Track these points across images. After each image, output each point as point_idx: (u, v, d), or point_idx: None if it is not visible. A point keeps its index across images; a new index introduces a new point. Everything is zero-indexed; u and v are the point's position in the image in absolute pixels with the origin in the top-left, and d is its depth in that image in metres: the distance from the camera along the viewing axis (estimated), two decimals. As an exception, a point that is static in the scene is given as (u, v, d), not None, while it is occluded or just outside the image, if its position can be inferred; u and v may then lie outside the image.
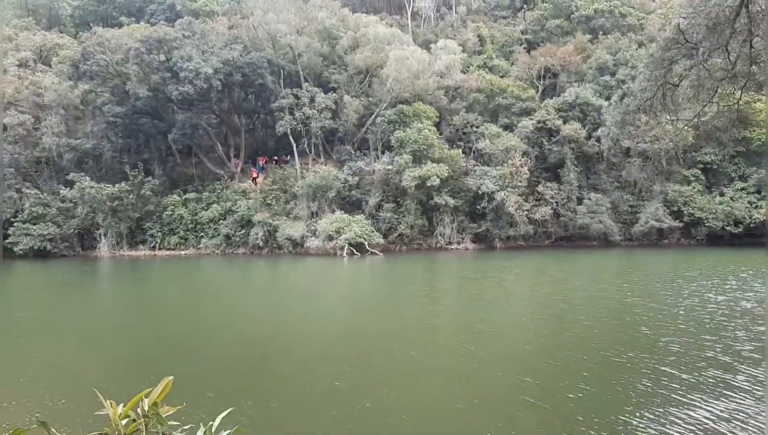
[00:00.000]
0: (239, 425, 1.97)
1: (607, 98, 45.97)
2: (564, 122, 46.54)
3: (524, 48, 58.14)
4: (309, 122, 46.22)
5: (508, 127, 48.33)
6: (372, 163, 46.61)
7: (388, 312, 19.47)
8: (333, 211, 43.80)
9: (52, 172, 48.27)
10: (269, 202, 45.93)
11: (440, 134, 47.17)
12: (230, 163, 50.88)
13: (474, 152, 47.89)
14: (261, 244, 43.75)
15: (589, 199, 45.14)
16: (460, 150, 46.67)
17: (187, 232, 46.04)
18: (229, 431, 1.88)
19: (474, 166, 46.67)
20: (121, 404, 1.83)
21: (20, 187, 45.41)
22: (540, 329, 15.89)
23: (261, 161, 50.82)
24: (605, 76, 50.34)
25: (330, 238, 41.44)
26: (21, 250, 42.68)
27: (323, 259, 39.13)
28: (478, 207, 45.43)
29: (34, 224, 43.66)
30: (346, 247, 40.51)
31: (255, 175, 49.38)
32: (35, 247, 42.92)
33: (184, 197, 47.16)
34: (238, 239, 44.83)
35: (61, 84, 48.83)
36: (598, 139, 45.60)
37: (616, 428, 8.26)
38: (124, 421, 1.78)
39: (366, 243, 41.05)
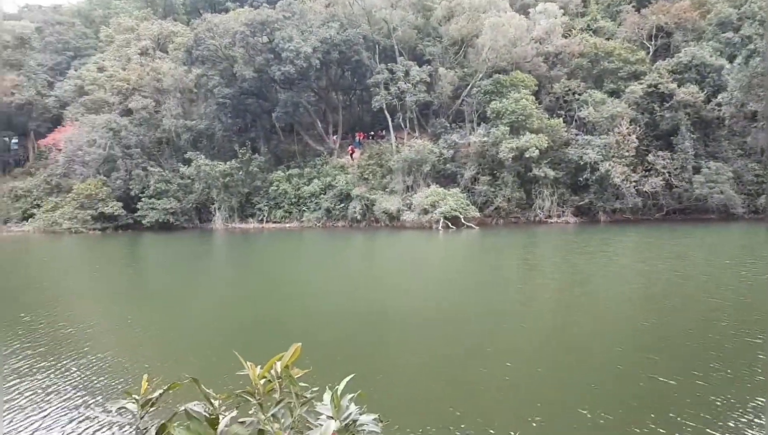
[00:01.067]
0: (360, 390, 2.10)
1: (730, 58, 41.62)
2: (678, 86, 42.86)
3: (633, 7, 53.86)
4: (404, 96, 46.47)
5: (615, 93, 45.44)
6: (467, 135, 46.07)
7: (491, 285, 19.54)
8: (428, 185, 44.05)
9: (172, 151, 52.72)
10: (366, 176, 47.10)
11: (539, 103, 45.46)
12: (329, 139, 52.63)
13: (576, 121, 45.68)
14: (359, 217, 45.18)
15: (708, 168, 41.49)
16: (561, 119, 44.73)
17: (291, 206, 48.56)
18: (351, 395, 1.99)
19: (576, 135, 44.59)
20: (258, 366, 2.01)
21: (146, 166, 50.14)
22: (663, 305, 15.21)
23: (358, 137, 52.09)
24: (727, 32, 45.46)
25: (425, 211, 41.84)
26: (148, 222, 47.42)
27: (419, 233, 39.67)
28: (581, 179, 43.50)
29: (158, 199, 48.20)
30: (442, 220, 40.72)
31: (352, 150, 50.77)
32: (160, 220, 47.45)
33: (287, 173, 49.62)
34: (337, 213, 46.59)
35: (177, 69, 52.84)
36: (719, 104, 41.58)
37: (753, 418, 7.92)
38: (261, 382, 1.95)
39: (461, 216, 40.98)
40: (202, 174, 48.12)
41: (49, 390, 9.25)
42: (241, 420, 1.85)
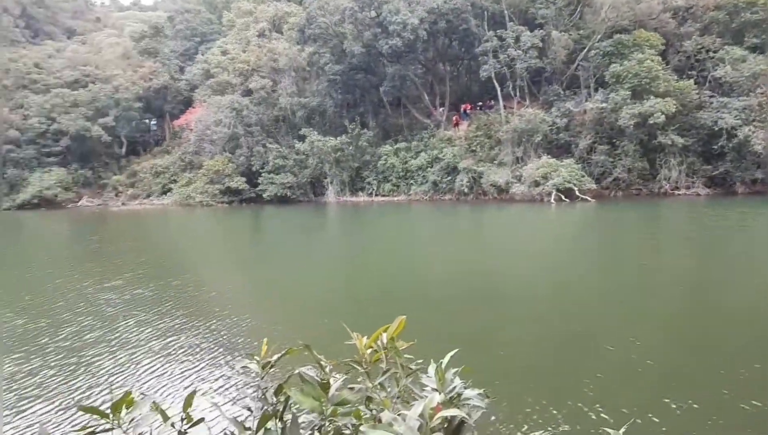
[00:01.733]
0: (465, 365, 2.10)
1: None
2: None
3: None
4: (514, 64, 44.79)
5: (758, 49, 40.19)
6: (583, 102, 43.48)
7: (611, 260, 18.65)
8: (539, 156, 42.44)
9: (288, 128, 55.66)
10: (474, 148, 46.43)
11: (666, 64, 41.49)
12: (436, 111, 52.42)
13: (710, 82, 41.18)
14: (466, 190, 44.85)
15: None
16: (692, 81, 40.56)
17: (399, 180, 49.40)
18: (456, 369, 2.00)
19: (709, 98, 40.27)
20: (365, 337, 2.08)
21: (265, 143, 53.50)
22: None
23: (464, 108, 51.29)
24: None
25: (536, 183, 40.48)
26: (268, 196, 50.87)
27: (529, 205, 38.58)
28: (714, 146, 39.38)
29: (277, 174, 51.39)
30: (554, 193, 39.20)
31: (456, 121, 50.18)
32: (278, 194, 50.68)
33: (395, 147, 50.37)
34: (444, 186, 46.62)
35: (291, 49, 55.26)
36: None
37: None
38: (368, 351, 2.04)
39: (576, 189, 39.13)
40: (315, 149, 50.38)
41: (195, 346, 10.58)
42: (350, 386, 1.94)
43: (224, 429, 1.87)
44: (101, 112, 60.45)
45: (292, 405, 1.89)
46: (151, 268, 19.73)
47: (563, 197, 38.90)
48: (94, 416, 1.71)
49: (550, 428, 6.73)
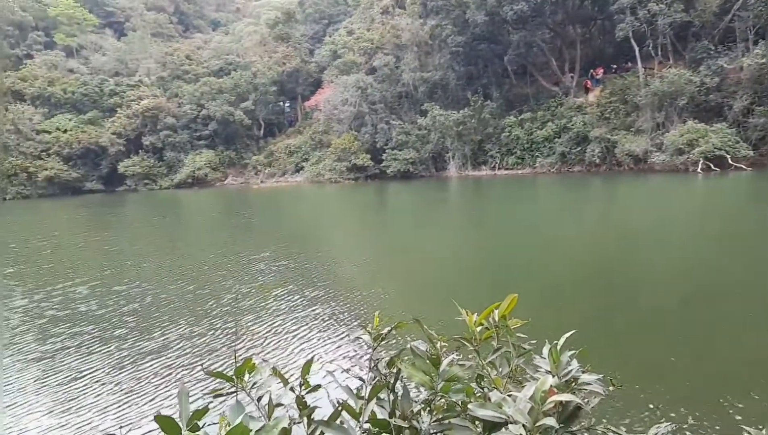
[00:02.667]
0: (582, 347, 2.01)
1: None
2: None
3: None
4: (655, 20, 40.52)
5: None
6: (739, 57, 38.18)
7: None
8: (684, 121, 38.27)
9: (411, 104, 56.15)
10: (607, 115, 43.17)
11: None
12: (564, 78, 49.44)
13: None
14: (598, 160, 42.05)
15: None
16: None
17: (524, 152, 47.70)
18: (572, 351, 1.91)
19: None
20: (475, 314, 2.04)
21: (388, 120, 54.59)
22: None
23: (596, 73, 47.69)
24: None
25: (680, 151, 36.69)
26: (391, 172, 52.07)
27: (671, 176, 35.18)
28: None
29: (400, 150, 52.32)
30: (701, 161, 35.29)
31: (588, 87, 46.89)
32: (401, 170, 51.65)
33: (519, 118, 48.58)
34: (573, 157, 44.14)
35: (414, 23, 55.31)
36: None
37: None
38: (478, 329, 2.00)
39: (729, 156, 34.85)
40: (437, 124, 50.34)
41: (319, 316, 11.48)
42: (460, 363, 1.92)
43: (338, 397, 1.90)
44: (242, 97, 65.81)
45: (403, 377, 1.90)
46: (292, 242, 21.37)
47: (713, 166, 34.89)
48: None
49: (676, 423, 6.31)
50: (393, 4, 62.76)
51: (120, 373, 8.87)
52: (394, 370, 1.92)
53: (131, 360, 9.44)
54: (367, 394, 1.86)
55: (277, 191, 52.48)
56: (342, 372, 7.99)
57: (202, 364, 9.20)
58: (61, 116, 66.06)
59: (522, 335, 2.06)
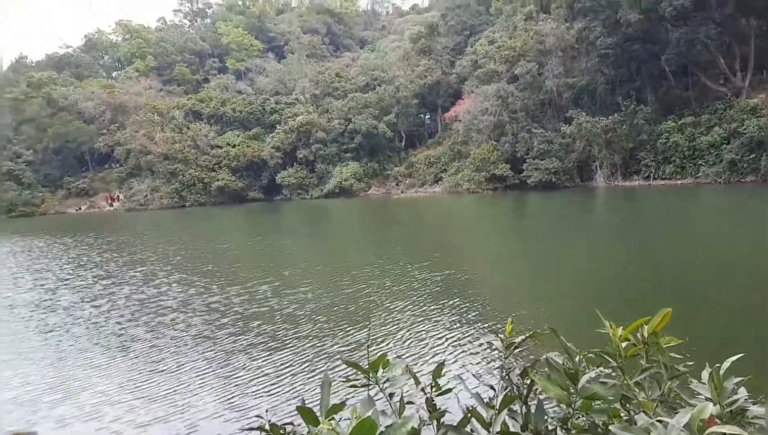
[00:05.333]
0: (751, 375, 1.83)
1: None
2: None
3: None
4: None
5: None
6: None
7: None
8: None
9: (554, 112, 54.08)
10: (791, 118, 37.54)
11: None
12: (734, 77, 43.96)
13: None
14: (778, 169, 36.68)
15: None
16: None
17: (684, 160, 43.32)
18: (740, 379, 1.69)
19: None
20: (620, 327, 1.87)
21: (530, 128, 53.13)
22: None
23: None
24: None
25: None
26: (532, 182, 50.53)
27: None
28: None
29: (542, 160, 50.59)
30: None
31: (770, 86, 41.13)
32: (542, 180, 49.87)
33: (679, 123, 44.26)
34: (745, 165, 39.03)
35: (559, 27, 53.29)
36: None
37: None
38: (623, 344, 1.82)
39: None
40: (583, 131, 47.87)
41: (450, 319, 11.79)
42: (602, 380, 1.74)
43: (467, 403, 1.85)
44: (386, 110, 68.74)
45: (537, 390, 1.81)
46: (437, 251, 21.93)
47: None
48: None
49: None
50: (537, 10, 61.05)
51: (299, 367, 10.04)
52: (527, 382, 1.85)
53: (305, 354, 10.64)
54: (497, 404, 1.78)
55: (417, 201, 53.80)
56: (471, 378, 7.96)
57: (341, 355, 9.98)
58: (231, 133, 74.73)
59: (676, 356, 1.84)
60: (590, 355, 1.88)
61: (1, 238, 41.84)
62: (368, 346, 10.28)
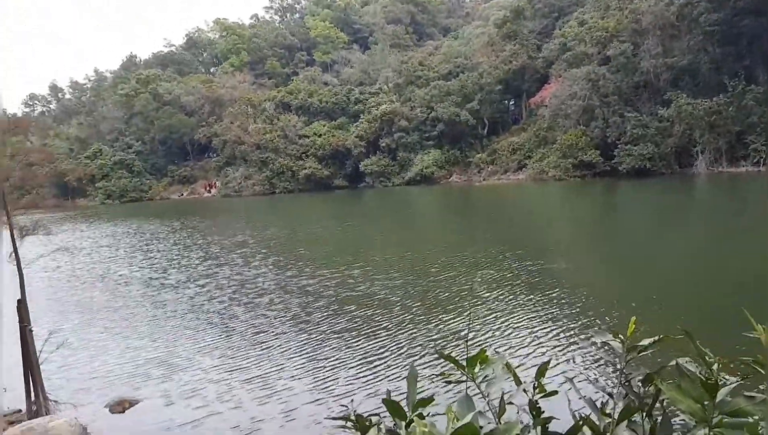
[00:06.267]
0: None
1: None
2: None
3: None
4: None
5: None
6: None
7: None
8: None
9: (650, 94, 50.94)
10: None
11: None
12: None
13: None
14: None
15: None
16: None
17: (800, 144, 39.39)
18: None
19: None
20: None
21: (622, 112, 50.44)
22: None
23: None
24: None
25: None
26: (624, 168, 48.05)
27: None
28: None
29: (635, 145, 47.94)
30: None
31: None
32: (635, 166, 47.27)
33: (796, 103, 40.25)
34: None
35: (657, 5, 49.97)
36: None
37: None
38: None
39: None
40: (683, 114, 44.84)
41: (558, 317, 11.78)
42: (747, 393, 1.46)
43: (578, 410, 1.66)
44: (468, 97, 67.98)
45: (664, 401, 1.59)
46: (527, 242, 21.58)
47: None
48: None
49: None
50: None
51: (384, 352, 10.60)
52: (652, 390, 1.62)
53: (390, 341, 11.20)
54: (615, 413, 1.59)
55: (499, 189, 52.96)
56: (582, 381, 7.51)
57: (435, 346, 9.99)
58: (317, 123, 77.26)
59: None
60: (732, 363, 1.60)
61: (116, 221, 46.30)
62: (467, 339, 10.00)
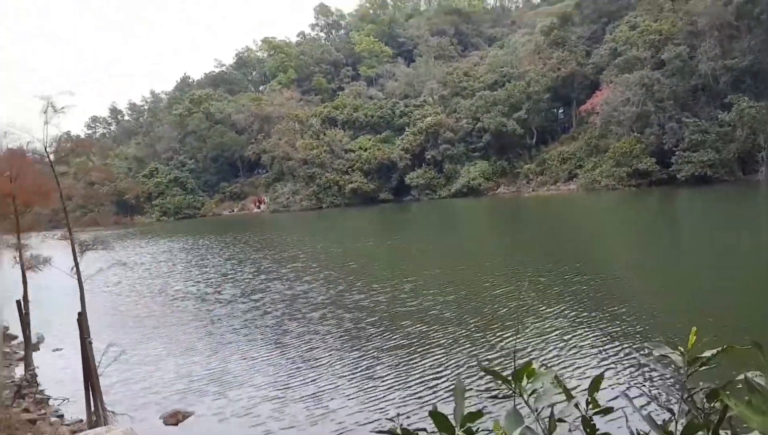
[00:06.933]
0: None
1: None
2: None
3: None
4: None
5: None
6: None
7: None
8: None
9: (708, 98, 48.71)
10: None
11: None
12: None
13: None
14: None
15: None
16: None
17: None
18: None
19: None
20: None
21: (679, 117, 48.35)
22: None
23: None
24: None
25: None
26: (682, 176, 45.94)
27: None
28: None
29: (694, 151, 45.79)
30: None
31: None
32: (695, 174, 45.10)
33: None
34: None
35: (714, 5, 47.89)
36: None
37: None
38: None
39: None
40: (745, 118, 42.60)
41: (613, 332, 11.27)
42: None
43: (638, 427, 1.58)
44: (515, 107, 66.92)
45: (732, 418, 1.47)
46: (592, 256, 21.00)
47: None
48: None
49: None
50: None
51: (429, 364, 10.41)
52: (718, 406, 1.51)
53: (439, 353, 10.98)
54: (677, 431, 1.49)
55: (552, 200, 51.64)
56: (639, 397, 7.03)
57: (478, 358, 9.79)
58: (363, 137, 77.92)
59: None
60: None
61: (172, 237, 48.02)
62: (515, 352, 9.78)
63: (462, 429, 1.45)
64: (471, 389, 7.82)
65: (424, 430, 1.61)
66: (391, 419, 1.70)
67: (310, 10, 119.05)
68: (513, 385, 1.61)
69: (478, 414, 1.51)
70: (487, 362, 9.72)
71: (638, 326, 10.93)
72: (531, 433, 1.43)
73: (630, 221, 31.52)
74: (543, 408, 1.56)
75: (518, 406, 1.55)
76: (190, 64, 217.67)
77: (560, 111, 70.97)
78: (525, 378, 1.63)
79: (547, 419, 1.53)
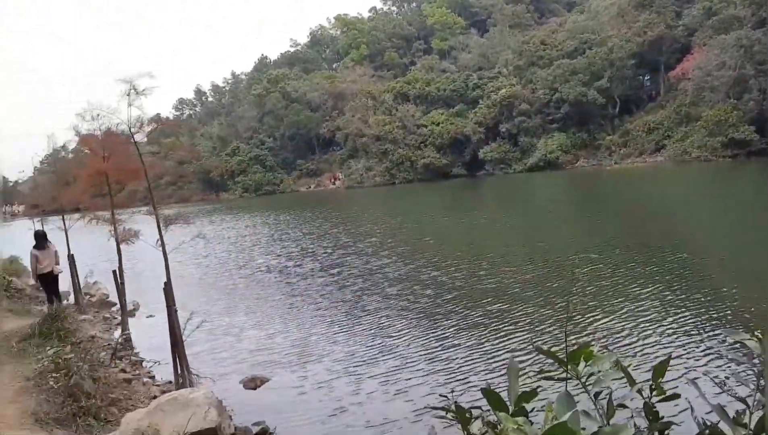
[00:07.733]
0: None
1: None
2: None
3: None
4: None
5: None
6: None
7: None
8: None
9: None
10: None
11: None
12: None
13: None
14: None
15: None
16: None
17: None
18: None
19: None
20: None
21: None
22: None
23: None
24: None
25: None
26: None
27: None
28: None
29: (801, 118, 41.78)
30: None
31: None
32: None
33: None
34: None
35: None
36: None
37: None
38: None
39: None
40: None
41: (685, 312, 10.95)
42: None
43: (699, 416, 1.50)
44: (596, 75, 63.59)
45: None
46: (684, 235, 19.90)
47: None
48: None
49: None
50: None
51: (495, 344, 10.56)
52: None
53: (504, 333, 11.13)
54: (751, 424, 1.39)
55: (637, 173, 48.98)
56: (711, 385, 6.74)
57: (533, 340, 9.64)
58: (435, 111, 77.25)
59: None
60: None
61: (254, 212, 50.46)
62: (566, 332, 9.37)
63: (515, 408, 1.43)
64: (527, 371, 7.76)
65: (479, 407, 1.59)
66: (444, 396, 1.65)
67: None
68: (567, 368, 1.56)
69: (533, 393, 1.47)
70: (575, 344, 9.53)
71: (721, 311, 10.42)
72: (584, 417, 1.39)
73: (726, 195, 29.45)
74: (601, 392, 1.51)
75: (576, 388, 1.52)
76: (268, 45, 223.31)
77: (646, 78, 66.68)
78: (582, 361, 1.56)
79: (605, 404, 1.48)
